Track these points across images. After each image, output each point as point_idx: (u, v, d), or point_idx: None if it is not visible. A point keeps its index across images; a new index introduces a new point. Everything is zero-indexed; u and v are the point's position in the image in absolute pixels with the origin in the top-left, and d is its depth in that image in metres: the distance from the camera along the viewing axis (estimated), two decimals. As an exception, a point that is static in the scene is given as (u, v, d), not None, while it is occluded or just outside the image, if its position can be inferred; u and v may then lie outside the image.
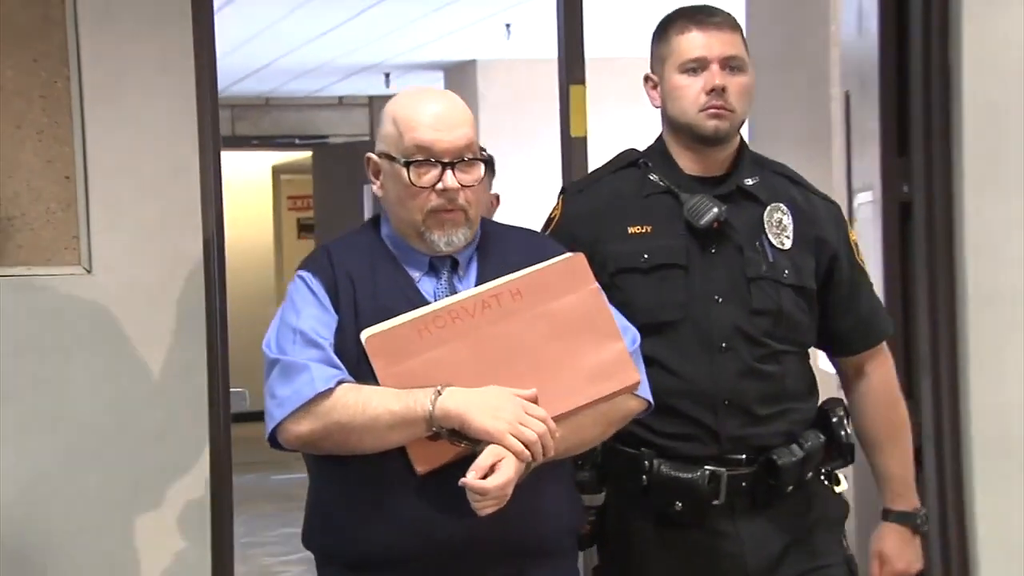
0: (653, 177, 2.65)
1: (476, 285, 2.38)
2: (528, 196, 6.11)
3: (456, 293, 2.36)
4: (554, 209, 2.71)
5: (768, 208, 2.65)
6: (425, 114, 2.36)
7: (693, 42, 2.60)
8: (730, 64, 2.59)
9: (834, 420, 2.68)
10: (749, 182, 2.65)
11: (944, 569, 3.32)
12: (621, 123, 7.92)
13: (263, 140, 11.52)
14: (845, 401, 2.77)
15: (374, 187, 2.44)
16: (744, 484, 2.59)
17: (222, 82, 3.48)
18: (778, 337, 2.62)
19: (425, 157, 2.34)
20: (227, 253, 3.36)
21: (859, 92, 3.88)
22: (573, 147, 3.69)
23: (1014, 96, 3.43)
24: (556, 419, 2.26)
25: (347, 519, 2.33)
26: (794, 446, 2.61)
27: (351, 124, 11.79)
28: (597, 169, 2.77)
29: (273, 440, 2.34)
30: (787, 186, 2.71)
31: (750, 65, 2.64)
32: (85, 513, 3.06)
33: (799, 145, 4.76)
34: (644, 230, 2.61)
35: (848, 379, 2.80)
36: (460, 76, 10.15)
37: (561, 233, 2.61)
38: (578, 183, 2.80)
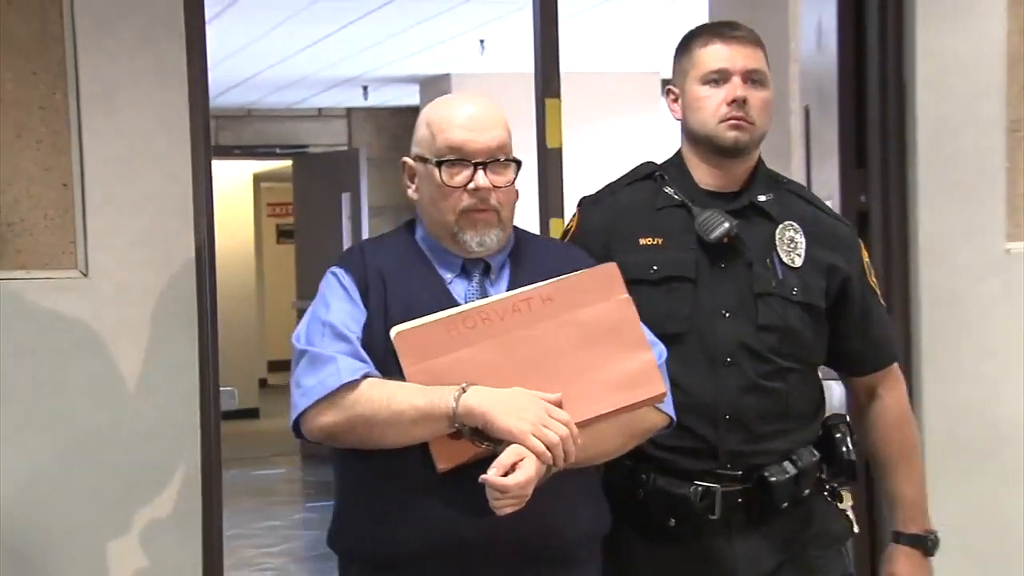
0: (668, 190, 2.58)
1: (508, 290, 2.32)
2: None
3: (487, 296, 2.31)
4: (571, 221, 2.66)
5: (780, 226, 2.57)
6: (458, 115, 2.32)
7: (716, 54, 2.53)
8: (752, 78, 2.52)
9: (836, 436, 2.59)
10: (762, 199, 2.58)
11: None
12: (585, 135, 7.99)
13: (245, 149, 11.50)
14: (847, 419, 2.67)
15: (409, 191, 2.39)
16: (740, 500, 2.50)
17: (208, 94, 3.47)
18: (784, 354, 2.53)
19: (457, 157, 2.30)
20: (214, 257, 3.35)
21: (818, 106, 3.91)
22: (549, 158, 3.69)
23: (964, 112, 3.48)
24: (579, 425, 2.18)
25: (369, 518, 2.27)
26: (787, 463, 2.52)
27: (330, 134, 11.77)
28: (613, 181, 2.70)
29: (297, 430, 2.28)
30: (801, 205, 2.63)
31: (771, 81, 2.57)
32: (82, 508, 3.05)
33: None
34: (655, 242, 2.54)
35: (860, 401, 2.70)
36: (435, 89, 10.14)
37: (576, 245, 2.55)
38: (594, 195, 2.70)
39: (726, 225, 2.49)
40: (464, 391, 2.15)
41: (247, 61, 8.62)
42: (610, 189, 2.67)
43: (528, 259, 2.39)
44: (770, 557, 2.53)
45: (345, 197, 10.20)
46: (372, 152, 11.16)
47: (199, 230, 3.16)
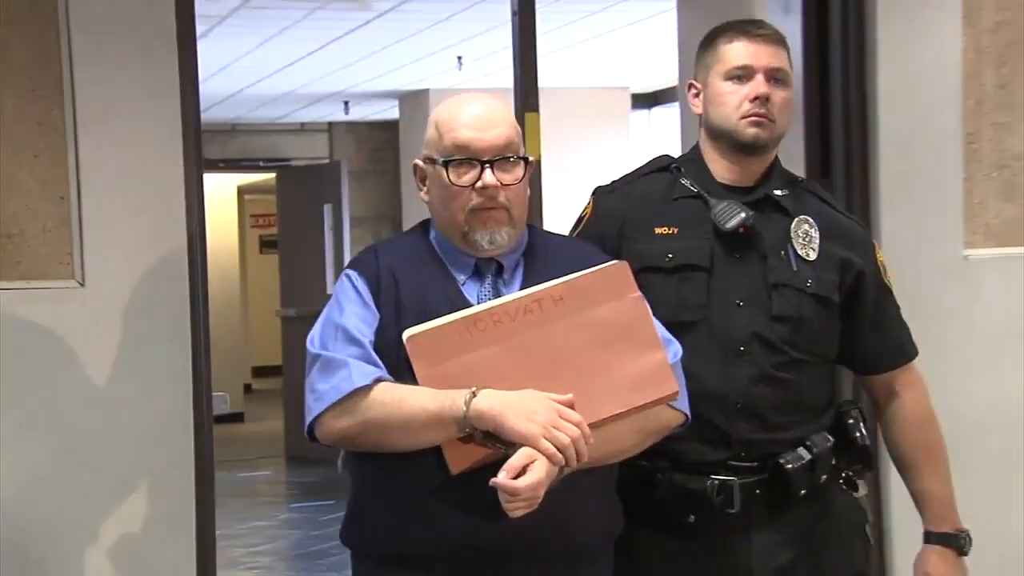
0: (684, 181, 2.50)
1: (521, 290, 2.23)
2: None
3: (500, 297, 2.22)
4: (585, 209, 2.57)
5: (796, 219, 2.49)
6: (464, 114, 2.24)
7: (740, 51, 2.45)
8: (775, 76, 2.45)
9: (849, 422, 2.51)
10: (778, 193, 2.50)
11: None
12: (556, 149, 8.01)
13: (230, 163, 11.48)
14: (859, 406, 2.59)
15: (421, 193, 2.33)
16: (758, 492, 2.41)
17: (194, 110, 3.47)
18: (797, 346, 2.45)
19: (464, 156, 2.22)
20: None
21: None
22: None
23: (924, 125, 3.51)
24: (592, 426, 2.10)
25: (382, 517, 2.22)
26: (801, 449, 2.43)
27: (312, 148, 11.77)
28: (629, 172, 2.63)
29: (311, 434, 2.23)
30: (816, 202, 2.56)
31: (792, 81, 2.51)
32: (80, 509, 3.04)
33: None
34: (671, 231, 2.46)
35: (879, 402, 2.61)
36: (414, 104, 10.15)
37: (591, 231, 2.50)
38: (609, 184, 2.62)
39: (742, 215, 2.42)
40: (475, 395, 2.08)
41: (232, 77, 8.61)
42: (625, 179, 2.60)
43: (542, 258, 2.31)
44: (786, 551, 2.45)
45: (327, 208, 10.20)
46: (353, 165, 11.17)
47: (192, 241, 3.15)
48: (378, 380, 2.16)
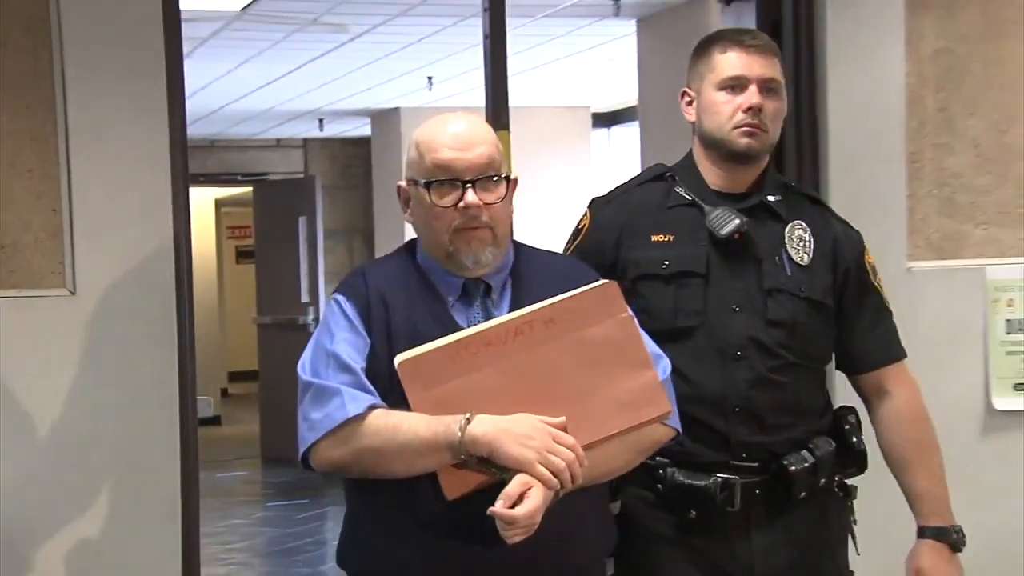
0: (679, 190, 2.43)
1: (510, 310, 2.14)
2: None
3: (490, 318, 2.12)
4: (582, 220, 2.50)
5: (789, 225, 2.42)
6: (444, 135, 2.15)
7: (734, 61, 2.37)
8: (768, 86, 2.38)
9: (846, 427, 2.44)
10: (772, 199, 2.43)
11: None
12: (519, 166, 8.00)
13: (209, 177, 11.41)
14: (855, 411, 2.52)
15: (405, 215, 2.22)
16: (758, 492, 2.35)
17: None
18: (793, 349, 2.38)
19: (446, 177, 2.12)
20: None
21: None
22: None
23: (870, 144, 3.54)
24: (586, 447, 2.02)
25: (379, 543, 2.11)
26: (804, 452, 2.37)
27: (288, 163, 11.73)
28: (624, 182, 2.56)
29: (305, 462, 2.12)
30: (809, 207, 2.49)
31: (784, 91, 2.44)
32: (71, 508, 3.03)
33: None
34: (667, 238, 2.39)
35: (871, 402, 2.52)
36: (385, 122, 10.14)
37: (590, 242, 2.43)
38: (605, 195, 2.54)
39: (737, 221, 2.35)
40: (469, 421, 1.98)
41: (213, 96, 8.58)
42: (621, 189, 2.53)
43: (529, 277, 2.21)
44: (786, 552, 2.38)
45: (301, 221, 10.18)
46: (327, 180, 11.14)
47: (178, 252, 3.15)
48: (371, 407, 2.06)
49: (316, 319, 9.87)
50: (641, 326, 2.20)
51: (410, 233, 2.26)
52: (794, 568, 2.39)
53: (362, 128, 10.72)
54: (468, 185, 2.12)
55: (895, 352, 2.53)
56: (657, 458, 2.32)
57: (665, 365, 2.20)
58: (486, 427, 1.98)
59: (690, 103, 2.45)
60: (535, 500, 1.95)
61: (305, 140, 11.62)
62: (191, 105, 8.78)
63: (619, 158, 10.18)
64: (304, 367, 2.14)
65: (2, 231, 3.02)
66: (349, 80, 8.34)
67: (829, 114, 3.50)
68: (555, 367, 2.06)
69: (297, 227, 10.16)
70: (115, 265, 3.09)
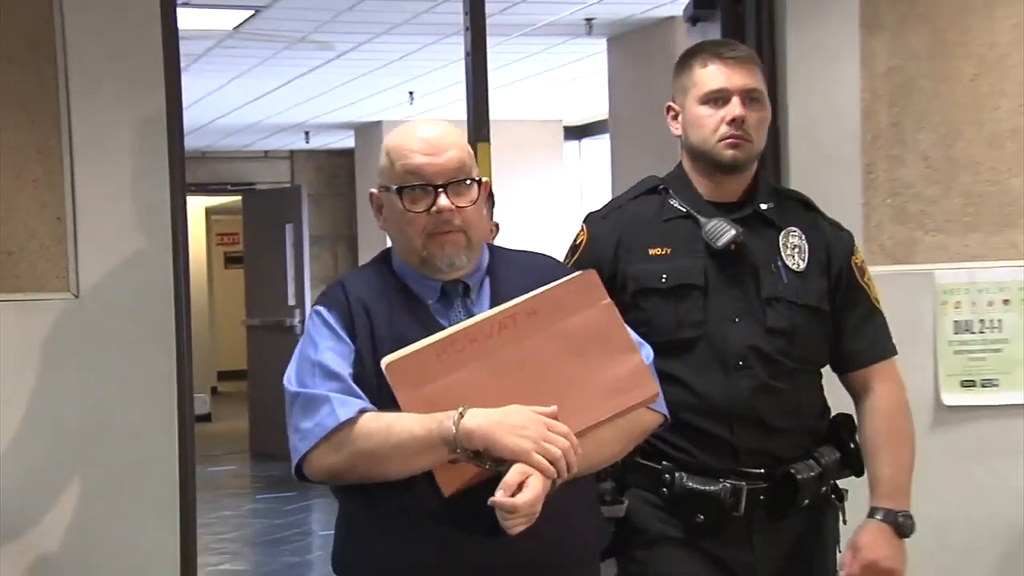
0: (673, 202, 2.34)
1: (490, 307, 2.04)
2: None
3: (471, 316, 2.02)
4: (579, 235, 2.40)
5: (783, 232, 2.34)
6: (414, 140, 2.04)
7: (715, 75, 2.30)
8: (750, 96, 2.30)
9: (843, 434, 2.37)
10: (764, 207, 2.35)
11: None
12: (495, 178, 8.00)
13: (200, 187, 11.37)
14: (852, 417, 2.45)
15: (378, 222, 2.12)
16: (762, 497, 2.27)
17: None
18: (793, 356, 2.31)
19: (417, 182, 2.02)
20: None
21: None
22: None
23: (828, 156, 3.55)
24: (578, 435, 1.93)
25: (376, 544, 2.00)
26: (811, 461, 2.29)
27: (275, 173, 11.72)
28: (618, 196, 2.47)
29: (299, 474, 2.00)
30: (801, 211, 2.41)
31: (767, 98, 2.36)
32: (74, 500, 3.02)
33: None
34: (664, 251, 2.30)
35: (857, 398, 2.43)
36: (368, 135, 10.15)
37: (587, 257, 2.32)
38: (600, 210, 2.44)
39: (732, 232, 2.27)
40: (462, 416, 1.88)
41: (204, 110, 8.57)
42: (616, 204, 2.44)
43: (506, 274, 2.12)
44: (786, 555, 2.32)
45: (288, 228, 10.16)
46: (312, 189, 11.14)
47: (176, 257, 3.14)
48: (362, 411, 1.95)
49: (302, 322, 9.84)
50: (643, 339, 2.13)
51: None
52: (793, 571, 2.33)
53: (346, 140, 10.73)
54: (440, 190, 2.02)
55: (882, 350, 2.44)
56: (663, 463, 2.26)
57: (648, 352, 2.11)
58: (480, 420, 1.89)
59: (675, 117, 2.38)
60: (534, 488, 1.86)
61: (292, 152, 11.62)
62: (184, 118, 8.79)
63: (590, 169, 10.22)
64: (290, 380, 2.03)
65: (9, 238, 3.00)
66: (334, 95, 8.35)
67: (790, 128, 3.51)
68: (541, 358, 1.98)
69: (284, 234, 10.13)
70: (116, 270, 3.08)
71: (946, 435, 3.49)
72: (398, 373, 1.94)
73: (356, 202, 10.80)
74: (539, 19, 6.05)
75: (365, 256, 10.35)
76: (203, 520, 7.70)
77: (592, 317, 2.03)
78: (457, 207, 2.03)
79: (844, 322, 2.40)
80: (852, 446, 2.37)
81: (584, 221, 2.43)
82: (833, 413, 2.45)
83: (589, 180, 10.17)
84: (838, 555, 2.44)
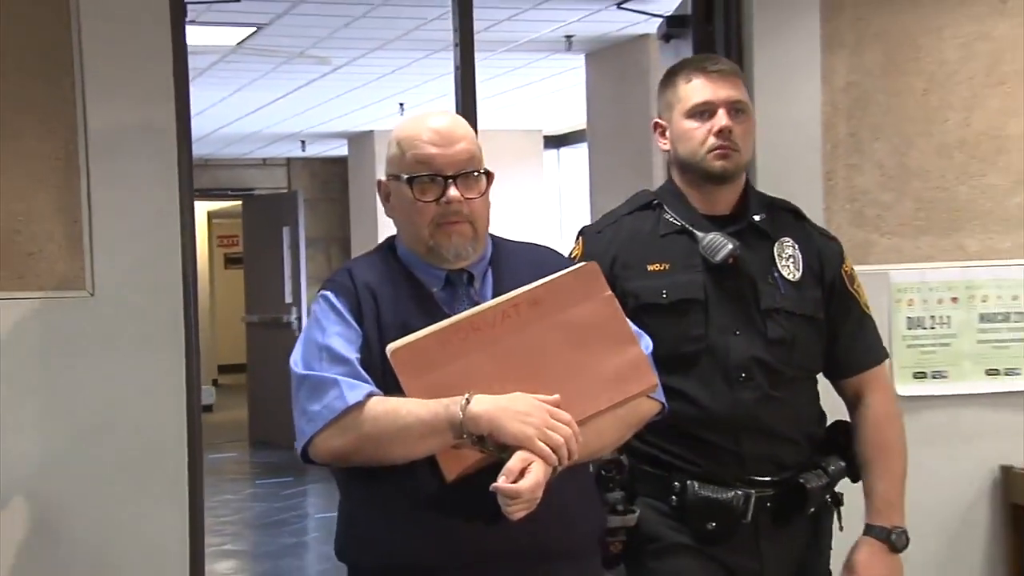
0: (668, 217, 2.25)
1: (493, 297, 1.96)
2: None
3: (475, 305, 1.94)
4: (574, 249, 2.31)
5: (777, 243, 2.26)
6: (425, 131, 1.95)
7: (700, 88, 2.22)
8: (735, 107, 2.21)
9: (841, 440, 2.29)
10: (758, 218, 2.26)
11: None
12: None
13: (202, 192, 11.31)
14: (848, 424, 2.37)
15: (386, 210, 2.03)
16: (768, 504, 2.19)
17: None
18: (793, 364, 2.22)
19: (427, 172, 1.93)
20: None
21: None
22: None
23: (791, 164, 3.55)
24: (579, 423, 1.87)
25: (378, 530, 1.92)
26: (819, 471, 2.22)
27: (272, 179, 11.69)
28: (613, 211, 2.36)
29: (305, 456, 1.92)
30: (792, 220, 2.33)
31: (752, 108, 2.27)
32: (90, 484, 3.03)
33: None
34: (663, 267, 2.21)
35: (850, 405, 2.35)
36: (360, 143, 10.14)
37: None
38: (596, 224, 2.35)
39: (730, 246, 2.18)
40: (469, 401, 1.82)
41: (207, 120, 8.55)
42: (611, 218, 2.33)
43: (507, 264, 2.03)
44: (790, 559, 2.24)
45: (285, 231, 10.15)
46: (308, 194, 11.11)
47: (184, 258, 3.14)
48: (369, 395, 1.87)
49: (299, 318, 9.83)
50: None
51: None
52: (797, 573, 2.26)
53: (340, 148, 10.71)
54: (450, 180, 1.94)
55: (874, 357, 2.36)
56: (673, 471, 2.19)
57: (647, 343, 2.03)
58: (486, 406, 1.82)
59: (663, 133, 2.29)
60: (536, 475, 1.80)
61: (289, 159, 11.59)
62: (189, 128, 8.75)
63: (568, 175, 10.24)
64: (296, 363, 1.94)
65: (30, 240, 3.01)
66: (329, 106, 8.34)
67: (757, 140, 3.52)
68: (543, 347, 1.91)
69: (281, 236, 10.13)
70: (129, 270, 3.09)
71: (899, 423, 3.53)
72: (403, 360, 1.87)
73: (349, 206, 10.78)
74: (522, 36, 6.07)
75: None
76: (206, 504, 7.63)
77: (594, 308, 1.96)
78: (466, 198, 1.95)
79: (839, 330, 2.31)
80: (850, 453, 2.29)
81: (580, 234, 2.34)
82: (830, 420, 2.38)
83: (567, 186, 10.19)
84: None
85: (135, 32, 3.08)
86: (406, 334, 1.88)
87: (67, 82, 3.03)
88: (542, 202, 9.99)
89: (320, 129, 9.61)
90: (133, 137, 3.09)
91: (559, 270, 2.00)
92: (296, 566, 6.22)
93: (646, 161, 5.19)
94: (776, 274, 2.24)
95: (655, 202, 2.29)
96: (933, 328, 3.64)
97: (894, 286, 3.57)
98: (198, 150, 10.58)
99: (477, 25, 3.75)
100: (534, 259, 2.06)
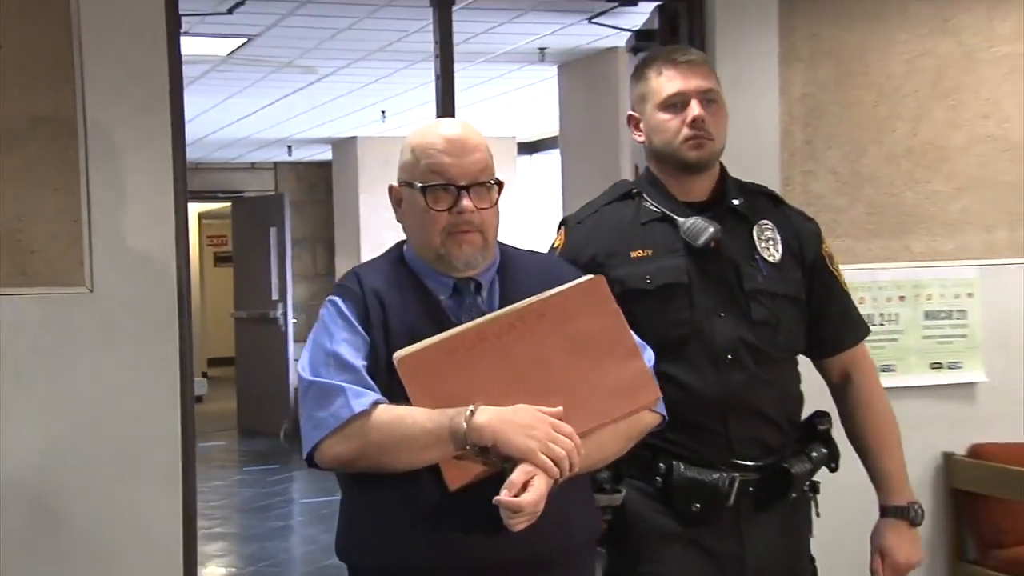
0: (648, 205, 2.17)
1: (500, 306, 1.88)
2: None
3: (482, 315, 1.87)
4: (556, 240, 2.23)
5: (756, 225, 2.18)
6: (440, 140, 1.87)
7: (672, 80, 2.14)
8: (707, 97, 2.14)
9: (821, 428, 2.20)
10: (736, 202, 2.19)
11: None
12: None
13: (193, 194, 11.15)
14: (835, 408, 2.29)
15: (396, 215, 1.95)
16: (751, 488, 2.11)
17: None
18: (777, 345, 2.15)
19: (441, 181, 1.86)
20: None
21: (644, 166, 4.00)
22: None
23: (751, 169, 3.51)
24: (580, 436, 1.79)
25: (381, 534, 1.85)
26: (803, 456, 2.15)
27: (260, 182, 11.64)
28: (592, 201, 2.27)
29: (311, 461, 1.86)
30: (768, 204, 2.25)
31: (723, 96, 2.20)
32: (88, 472, 3.02)
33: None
34: (646, 254, 2.13)
35: (834, 386, 2.29)
36: (344, 149, 10.11)
37: (564, 260, 2.12)
38: (576, 215, 2.26)
39: (711, 230, 2.10)
40: (473, 412, 1.75)
41: (198, 126, 8.51)
42: (590, 209, 2.24)
43: (516, 273, 1.95)
44: (771, 543, 2.16)
45: (272, 231, 10.12)
46: (294, 197, 11.08)
47: (179, 257, 3.14)
48: (375, 403, 1.80)
49: (285, 314, 9.82)
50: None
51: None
52: (777, 558, 2.18)
53: (324, 153, 10.69)
54: (463, 191, 1.86)
55: (856, 335, 2.29)
56: (659, 453, 2.10)
57: (650, 355, 1.96)
58: (490, 418, 1.75)
59: (637, 126, 2.20)
60: (539, 488, 1.73)
61: (276, 163, 11.55)
62: (181, 133, 8.70)
63: (540, 180, 10.26)
64: (304, 367, 1.87)
65: (33, 239, 3.00)
66: (315, 113, 8.32)
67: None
68: (548, 359, 1.84)
69: (269, 236, 10.10)
70: (127, 267, 3.08)
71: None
72: (409, 368, 1.81)
73: (333, 208, 10.77)
74: (498, 48, 6.08)
75: (340, 256, 10.34)
76: (197, 489, 7.71)
77: (598, 321, 1.89)
78: (478, 208, 1.87)
79: (823, 309, 2.24)
80: (832, 443, 2.22)
81: (562, 224, 2.27)
82: (808, 410, 2.29)
83: (540, 190, 10.21)
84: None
85: (133, 42, 3.08)
86: (413, 341, 1.82)
87: (68, 89, 3.02)
88: (516, 205, 10.01)
89: (306, 135, 9.58)
90: (131, 142, 3.08)
91: (566, 281, 1.93)
92: (281, 547, 6.21)
93: (615, 167, 5.21)
94: (757, 256, 2.16)
95: (634, 191, 2.21)
96: (882, 325, 3.69)
97: (847, 285, 3.60)
98: (190, 154, 10.49)
99: (455, 37, 3.76)
100: (542, 269, 1.99)
